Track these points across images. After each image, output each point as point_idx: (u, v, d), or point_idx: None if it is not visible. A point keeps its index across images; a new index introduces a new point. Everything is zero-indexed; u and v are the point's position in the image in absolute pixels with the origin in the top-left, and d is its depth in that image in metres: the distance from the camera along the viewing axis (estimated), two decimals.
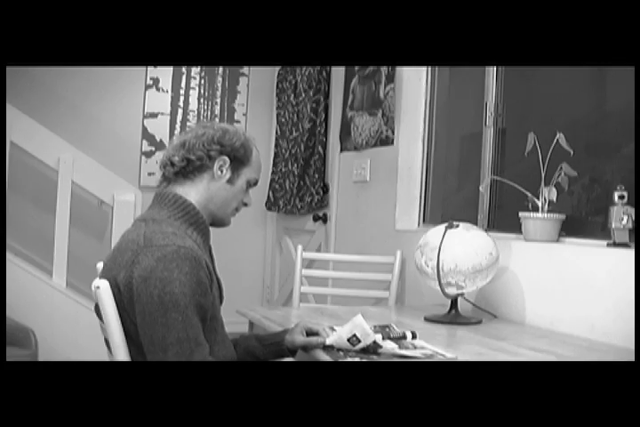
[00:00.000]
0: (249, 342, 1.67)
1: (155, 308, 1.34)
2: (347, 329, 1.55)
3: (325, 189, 3.73)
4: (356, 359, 1.49)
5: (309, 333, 1.62)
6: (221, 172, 1.54)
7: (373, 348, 1.54)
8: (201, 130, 1.56)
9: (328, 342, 1.57)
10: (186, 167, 1.53)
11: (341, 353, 1.54)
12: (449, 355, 1.54)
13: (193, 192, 1.54)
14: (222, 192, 1.56)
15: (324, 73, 3.76)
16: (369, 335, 1.53)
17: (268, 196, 4.11)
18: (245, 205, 1.63)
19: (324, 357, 1.54)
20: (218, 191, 1.55)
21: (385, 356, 1.54)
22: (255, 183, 1.62)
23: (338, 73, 3.64)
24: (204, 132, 1.54)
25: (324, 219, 3.70)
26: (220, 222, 1.60)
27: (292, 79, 4.01)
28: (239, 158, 1.56)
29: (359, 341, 1.53)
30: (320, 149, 3.78)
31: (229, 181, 1.56)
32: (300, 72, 3.93)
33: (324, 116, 3.76)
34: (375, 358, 1.51)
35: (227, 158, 1.54)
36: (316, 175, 3.76)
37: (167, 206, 1.51)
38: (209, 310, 1.44)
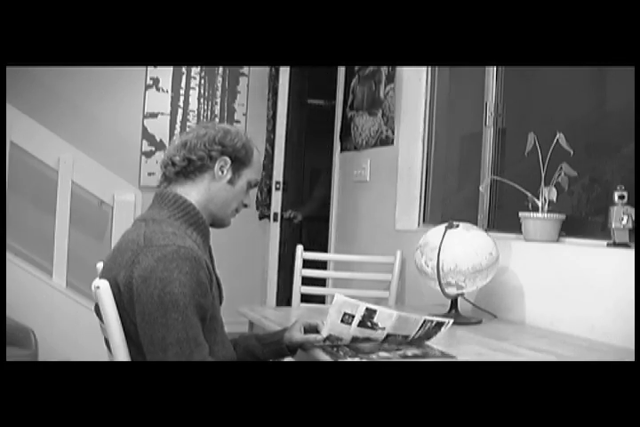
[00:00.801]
0: (248, 341, 1.67)
1: (154, 308, 1.34)
2: (334, 313, 1.52)
3: (267, 187, 3.76)
4: (356, 359, 1.49)
5: (308, 328, 1.62)
6: (222, 172, 1.54)
7: (369, 317, 1.50)
8: (202, 130, 1.55)
9: (324, 333, 1.55)
10: (187, 167, 1.53)
11: (341, 353, 1.54)
12: (449, 355, 1.54)
13: (194, 192, 1.53)
14: (223, 193, 1.56)
15: (274, 70, 3.79)
16: (358, 306, 1.50)
17: (257, 196, 4.12)
18: (245, 206, 1.63)
19: (323, 357, 1.54)
20: (218, 192, 1.55)
21: (383, 318, 1.50)
22: (256, 184, 1.62)
23: (285, 71, 3.66)
24: (206, 133, 1.54)
25: (269, 217, 3.72)
26: (219, 223, 1.60)
27: (275, 78, 4.06)
28: (240, 159, 1.56)
29: (352, 316, 1.50)
30: (268, 146, 3.81)
31: (230, 181, 1.56)
32: (274, 72, 3.99)
33: (272, 112, 3.79)
34: (375, 359, 1.51)
35: (228, 159, 1.54)
36: (263, 172, 3.79)
37: (167, 206, 1.51)
38: (209, 310, 1.44)
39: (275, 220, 3.64)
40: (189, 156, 1.52)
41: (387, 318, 1.52)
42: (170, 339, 1.33)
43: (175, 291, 1.34)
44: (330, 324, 1.54)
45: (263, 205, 3.79)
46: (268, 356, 1.64)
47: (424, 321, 1.55)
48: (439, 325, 1.57)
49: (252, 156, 1.58)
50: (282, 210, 3.69)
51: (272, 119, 3.80)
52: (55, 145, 3.54)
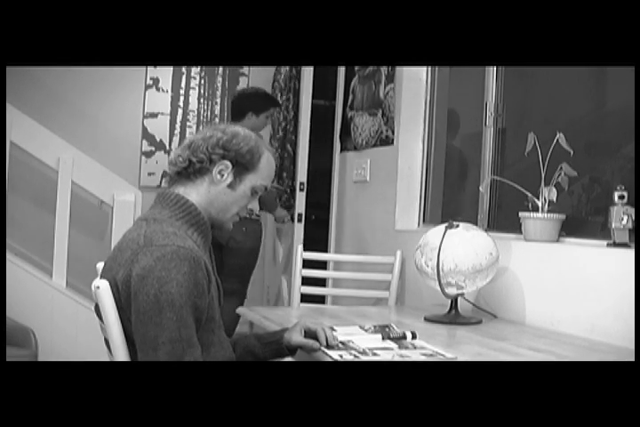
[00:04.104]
0: (248, 341, 1.67)
1: (150, 307, 1.33)
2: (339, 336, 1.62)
3: (292, 188, 3.75)
4: (356, 359, 1.49)
5: (308, 333, 1.62)
6: (221, 176, 1.53)
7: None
8: (210, 132, 1.54)
9: (322, 347, 1.59)
10: (187, 168, 1.53)
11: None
12: (449, 355, 1.54)
13: (194, 194, 1.53)
14: (223, 197, 1.55)
15: (294, 71, 3.79)
16: (358, 349, 1.57)
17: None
18: (251, 211, 1.63)
19: (324, 357, 1.54)
20: (218, 195, 1.54)
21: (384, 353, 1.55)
22: (264, 189, 1.59)
23: (309, 71, 3.62)
24: (212, 135, 1.53)
25: (292, 219, 3.71)
26: (219, 226, 1.59)
27: (279, 78, 4.05)
28: (243, 164, 1.54)
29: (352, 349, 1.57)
30: (289, 147, 3.81)
31: (230, 185, 1.54)
32: (283, 71, 3.98)
33: (292, 113, 3.79)
34: (375, 359, 1.51)
35: (229, 163, 1.53)
36: (284, 174, 3.78)
37: (169, 206, 1.51)
38: (204, 311, 1.43)
39: (299, 221, 3.63)
40: (191, 157, 1.52)
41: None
42: (162, 338, 1.33)
43: (172, 291, 1.34)
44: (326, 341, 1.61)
45: (287, 207, 3.79)
46: (268, 355, 1.64)
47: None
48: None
49: (258, 161, 1.55)
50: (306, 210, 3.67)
51: (293, 120, 3.80)
52: (55, 145, 3.53)
